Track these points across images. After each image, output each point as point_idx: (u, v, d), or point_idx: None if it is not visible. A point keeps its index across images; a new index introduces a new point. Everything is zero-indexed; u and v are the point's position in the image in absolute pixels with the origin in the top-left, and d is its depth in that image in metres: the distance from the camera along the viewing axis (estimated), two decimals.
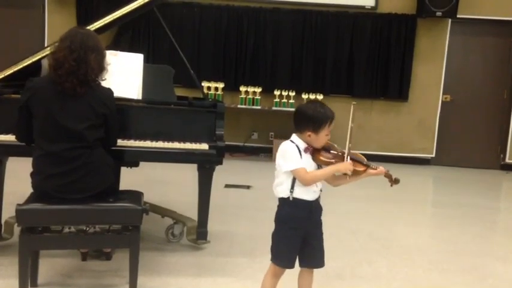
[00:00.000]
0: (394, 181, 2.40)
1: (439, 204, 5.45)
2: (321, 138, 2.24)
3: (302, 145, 2.24)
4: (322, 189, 2.30)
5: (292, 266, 2.30)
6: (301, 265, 2.35)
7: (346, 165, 2.22)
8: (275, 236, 2.32)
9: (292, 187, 2.23)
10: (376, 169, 2.30)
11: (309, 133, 2.22)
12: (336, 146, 2.32)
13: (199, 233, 3.28)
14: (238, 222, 4.08)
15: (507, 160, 7.34)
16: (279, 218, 2.30)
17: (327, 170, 2.25)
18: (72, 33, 2.57)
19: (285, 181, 2.24)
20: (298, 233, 2.26)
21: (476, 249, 3.81)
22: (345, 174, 2.23)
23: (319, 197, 2.30)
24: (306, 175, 2.20)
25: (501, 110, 7.36)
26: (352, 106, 2.32)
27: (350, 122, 2.27)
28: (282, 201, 2.28)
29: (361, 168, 2.28)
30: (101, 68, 2.61)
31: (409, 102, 7.26)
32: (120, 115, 2.84)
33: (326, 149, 2.28)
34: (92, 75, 2.55)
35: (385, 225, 4.28)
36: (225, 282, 2.91)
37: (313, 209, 2.29)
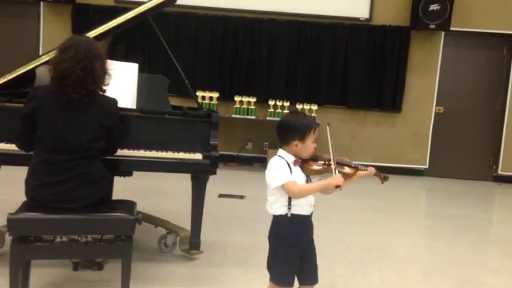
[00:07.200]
0: (384, 178, 2.47)
1: (432, 215, 5.46)
2: (308, 146, 2.21)
3: (291, 158, 2.21)
4: (314, 204, 2.27)
5: (292, 284, 2.26)
6: (299, 282, 2.30)
7: (337, 179, 2.14)
8: (273, 255, 2.25)
9: (290, 203, 2.18)
10: (365, 170, 2.30)
11: (296, 142, 2.19)
12: (321, 155, 2.29)
13: (192, 243, 3.26)
14: (231, 232, 4.06)
15: (500, 172, 7.38)
16: (277, 236, 2.24)
17: (316, 186, 2.19)
18: (75, 42, 2.54)
19: (280, 198, 2.19)
20: (297, 250, 2.22)
21: (469, 261, 3.81)
22: (337, 186, 2.14)
23: (312, 212, 2.27)
24: (294, 188, 2.14)
25: (494, 122, 7.42)
26: (327, 127, 2.30)
27: (329, 141, 2.25)
28: (279, 218, 2.22)
29: (351, 171, 2.28)
30: (105, 75, 2.61)
31: (402, 114, 7.31)
32: None
33: (314, 159, 2.26)
34: (99, 84, 2.55)
35: (379, 237, 4.28)
36: None
37: (308, 224, 2.27)
